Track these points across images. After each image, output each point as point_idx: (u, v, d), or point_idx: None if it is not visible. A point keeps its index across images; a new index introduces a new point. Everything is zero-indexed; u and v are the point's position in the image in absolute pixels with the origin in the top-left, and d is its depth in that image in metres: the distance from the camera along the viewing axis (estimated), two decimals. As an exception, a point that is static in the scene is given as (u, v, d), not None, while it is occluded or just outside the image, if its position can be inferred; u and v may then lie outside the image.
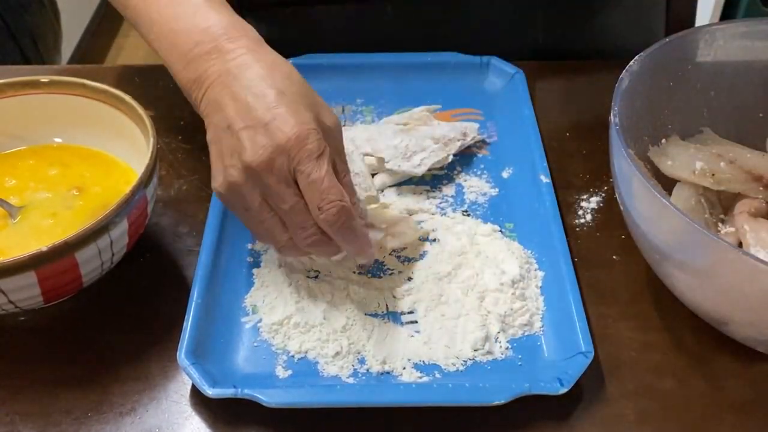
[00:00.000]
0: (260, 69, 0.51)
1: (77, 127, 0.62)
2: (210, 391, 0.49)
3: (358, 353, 0.53)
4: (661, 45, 0.59)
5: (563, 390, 0.50)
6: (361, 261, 0.57)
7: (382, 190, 0.65)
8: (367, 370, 0.52)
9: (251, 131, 0.49)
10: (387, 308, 0.56)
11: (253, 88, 0.50)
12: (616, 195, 0.56)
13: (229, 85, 0.51)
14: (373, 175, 0.66)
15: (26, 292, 0.49)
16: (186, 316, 0.53)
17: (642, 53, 0.58)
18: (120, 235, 0.52)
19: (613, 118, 0.53)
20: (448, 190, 0.65)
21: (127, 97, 0.59)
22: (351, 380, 0.52)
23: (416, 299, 0.56)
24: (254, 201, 0.51)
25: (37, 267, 0.48)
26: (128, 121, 0.59)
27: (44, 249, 0.48)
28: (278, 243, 0.53)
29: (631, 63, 0.57)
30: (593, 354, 0.51)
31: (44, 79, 0.60)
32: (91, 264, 0.51)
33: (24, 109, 0.61)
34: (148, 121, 0.57)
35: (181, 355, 0.51)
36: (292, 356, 0.53)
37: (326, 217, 0.49)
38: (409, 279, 0.58)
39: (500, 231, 0.61)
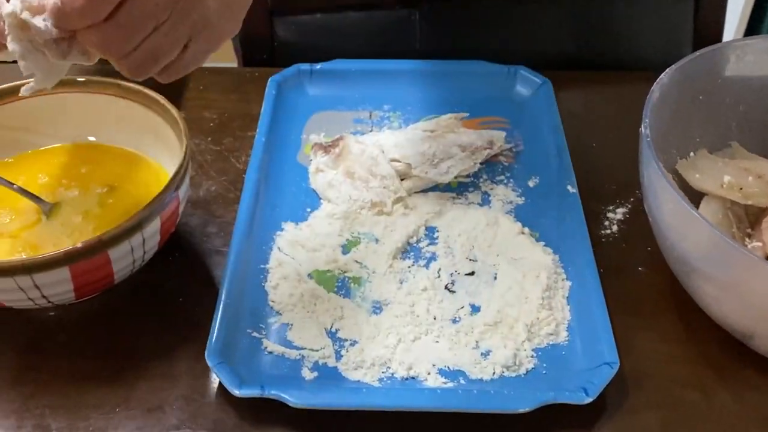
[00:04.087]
0: None
1: (110, 127, 0.63)
2: (237, 391, 0.50)
3: (384, 358, 0.53)
4: (691, 58, 0.59)
5: (588, 400, 0.50)
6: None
7: (409, 195, 0.66)
8: (392, 374, 0.53)
9: None
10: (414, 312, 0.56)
11: None
12: (645, 206, 0.56)
13: None
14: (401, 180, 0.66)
15: (59, 287, 0.50)
16: (214, 317, 0.54)
17: (672, 66, 0.58)
18: (152, 234, 0.52)
19: (644, 130, 0.53)
20: (474, 198, 0.65)
21: (161, 98, 0.59)
22: (376, 384, 0.52)
23: (444, 302, 0.56)
24: None
25: (71, 263, 0.49)
26: (161, 122, 0.60)
27: (79, 245, 0.48)
28: None
29: (661, 76, 0.57)
30: (618, 365, 0.51)
31: (80, 78, 0.60)
32: (123, 261, 0.52)
33: (58, 108, 0.62)
34: (181, 123, 0.57)
35: (209, 355, 0.51)
36: (317, 360, 0.54)
37: None
38: (447, 288, 0.58)
39: (530, 234, 0.61)
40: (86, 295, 0.52)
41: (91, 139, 0.63)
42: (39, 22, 0.44)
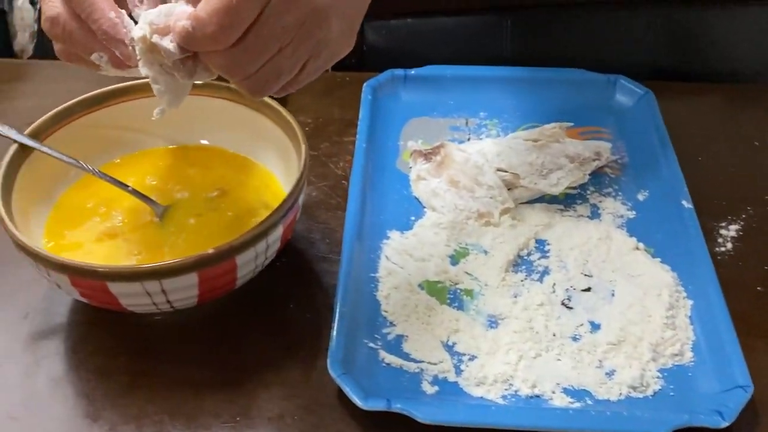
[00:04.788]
0: None
1: (219, 130, 0.62)
2: (363, 404, 0.48)
3: (506, 374, 0.52)
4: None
5: (724, 424, 0.48)
6: (114, 71, 0.49)
7: (515, 206, 0.64)
8: (516, 392, 0.51)
9: None
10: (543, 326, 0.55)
11: None
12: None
13: None
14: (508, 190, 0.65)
15: (185, 292, 0.49)
16: (332, 325, 0.53)
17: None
18: (275, 240, 0.52)
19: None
20: (583, 210, 0.64)
21: (274, 102, 0.59)
22: (501, 401, 0.51)
23: (567, 321, 0.55)
24: None
25: (201, 269, 0.48)
26: (272, 126, 0.59)
27: (210, 251, 0.48)
28: None
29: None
30: (752, 388, 0.50)
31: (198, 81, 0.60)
32: (247, 267, 0.51)
33: (170, 111, 0.61)
34: (297, 128, 0.57)
35: (332, 366, 0.50)
36: (436, 374, 0.52)
37: None
38: (563, 304, 0.57)
39: (645, 250, 0.60)
40: (206, 301, 0.52)
41: (204, 142, 0.63)
42: (167, 43, 0.44)
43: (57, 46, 0.48)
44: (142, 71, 0.46)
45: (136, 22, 0.46)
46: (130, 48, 0.45)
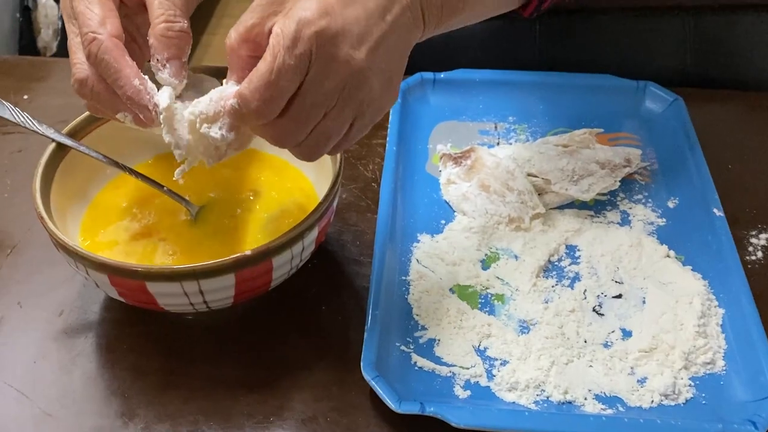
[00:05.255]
0: None
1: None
2: (397, 408, 0.49)
3: (538, 380, 0.52)
4: None
5: (758, 434, 0.48)
6: (138, 125, 0.51)
7: (546, 211, 0.64)
8: (548, 397, 0.51)
9: None
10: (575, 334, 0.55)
11: None
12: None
13: None
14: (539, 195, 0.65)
15: (222, 293, 0.50)
16: (365, 328, 0.53)
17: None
18: (310, 242, 0.52)
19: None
20: (613, 217, 0.64)
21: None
22: (533, 407, 0.51)
23: (599, 326, 0.55)
24: None
25: (239, 270, 0.48)
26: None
27: (248, 253, 0.48)
28: None
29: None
30: (785, 398, 0.50)
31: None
32: (282, 269, 0.51)
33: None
34: (332, 130, 0.57)
35: (366, 368, 0.50)
36: (468, 378, 0.53)
37: (88, 56, 0.48)
38: (595, 311, 0.57)
39: (676, 258, 0.60)
40: (241, 301, 0.52)
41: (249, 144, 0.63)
42: (215, 132, 0.46)
43: (85, 103, 0.51)
44: (165, 138, 0.48)
45: (158, 85, 0.49)
46: (153, 113, 0.48)
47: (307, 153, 0.47)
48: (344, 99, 0.45)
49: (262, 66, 0.43)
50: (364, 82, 0.45)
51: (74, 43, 0.49)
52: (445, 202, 0.66)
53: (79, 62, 0.49)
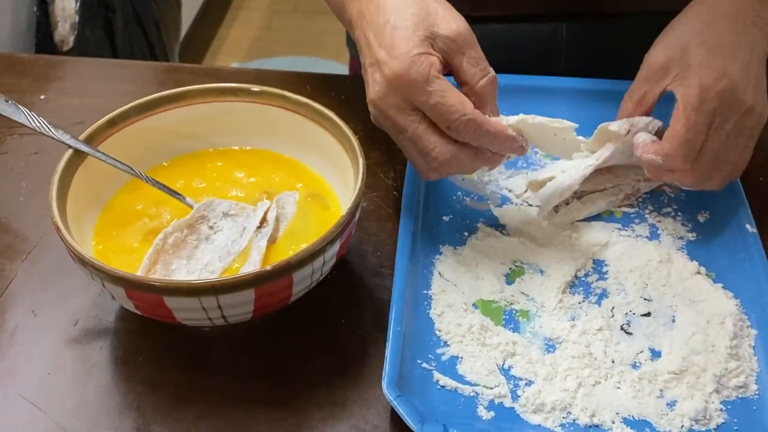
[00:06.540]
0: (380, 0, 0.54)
1: (273, 137, 0.61)
2: (419, 430, 0.47)
3: (565, 402, 0.51)
4: None
5: (794, 464, 0.46)
6: (511, 154, 0.57)
7: (571, 223, 0.63)
8: (574, 420, 0.50)
9: (372, 68, 0.54)
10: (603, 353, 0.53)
11: (373, 24, 0.54)
12: None
13: (360, 25, 0.55)
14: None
15: (241, 308, 0.49)
16: (386, 345, 0.52)
17: None
18: (331, 257, 0.51)
19: None
20: (642, 230, 0.62)
21: (331, 113, 0.58)
22: (560, 431, 0.49)
23: (628, 347, 0.54)
24: (389, 131, 0.55)
25: (258, 285, 0.47)
26: (326, 134, 0.58)
27: (268, 268, 0.47)
28: (417, 167, 0.56)
29: None
30: (822, 426, 0.48)
31: (254, 88, 0.59)
32: (302, 283, 0.50)
33: (224, 116, 0.60)
34: (354, 140, 0.56)
35: (388, 387, 0.49)
36: (492, 399, 0.51)
37: (458, 136, 0.53)
38: (623, 329, 0.55)
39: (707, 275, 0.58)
40: (260, 315, 0.51)
41: (252, 147, 0.62)
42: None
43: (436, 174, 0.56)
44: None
45: None
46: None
47: (717, 185, 0.59)
48: (738, 130, 0.56)
49: (678, 126, 0.56)
50: (750, 112, 0.56)
51: (420, 129, 0.53)
52: (468, 213, 0.64)
53: (438, 145, 0.53)
